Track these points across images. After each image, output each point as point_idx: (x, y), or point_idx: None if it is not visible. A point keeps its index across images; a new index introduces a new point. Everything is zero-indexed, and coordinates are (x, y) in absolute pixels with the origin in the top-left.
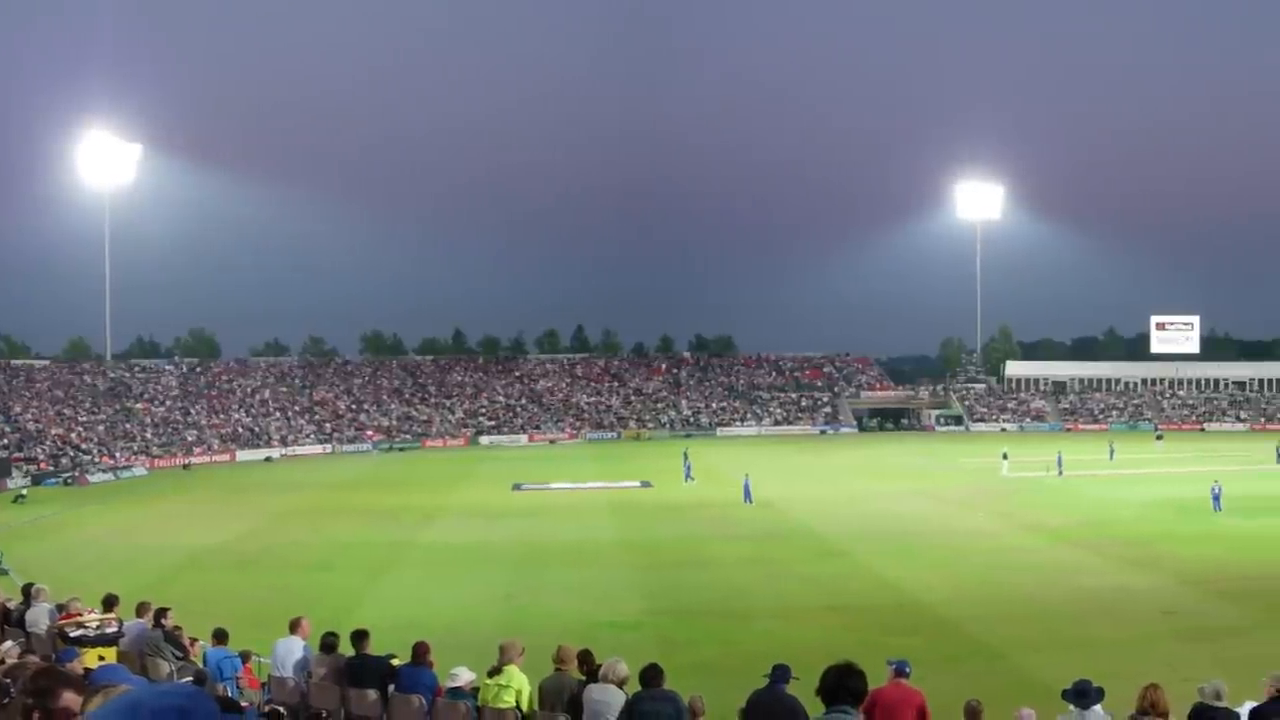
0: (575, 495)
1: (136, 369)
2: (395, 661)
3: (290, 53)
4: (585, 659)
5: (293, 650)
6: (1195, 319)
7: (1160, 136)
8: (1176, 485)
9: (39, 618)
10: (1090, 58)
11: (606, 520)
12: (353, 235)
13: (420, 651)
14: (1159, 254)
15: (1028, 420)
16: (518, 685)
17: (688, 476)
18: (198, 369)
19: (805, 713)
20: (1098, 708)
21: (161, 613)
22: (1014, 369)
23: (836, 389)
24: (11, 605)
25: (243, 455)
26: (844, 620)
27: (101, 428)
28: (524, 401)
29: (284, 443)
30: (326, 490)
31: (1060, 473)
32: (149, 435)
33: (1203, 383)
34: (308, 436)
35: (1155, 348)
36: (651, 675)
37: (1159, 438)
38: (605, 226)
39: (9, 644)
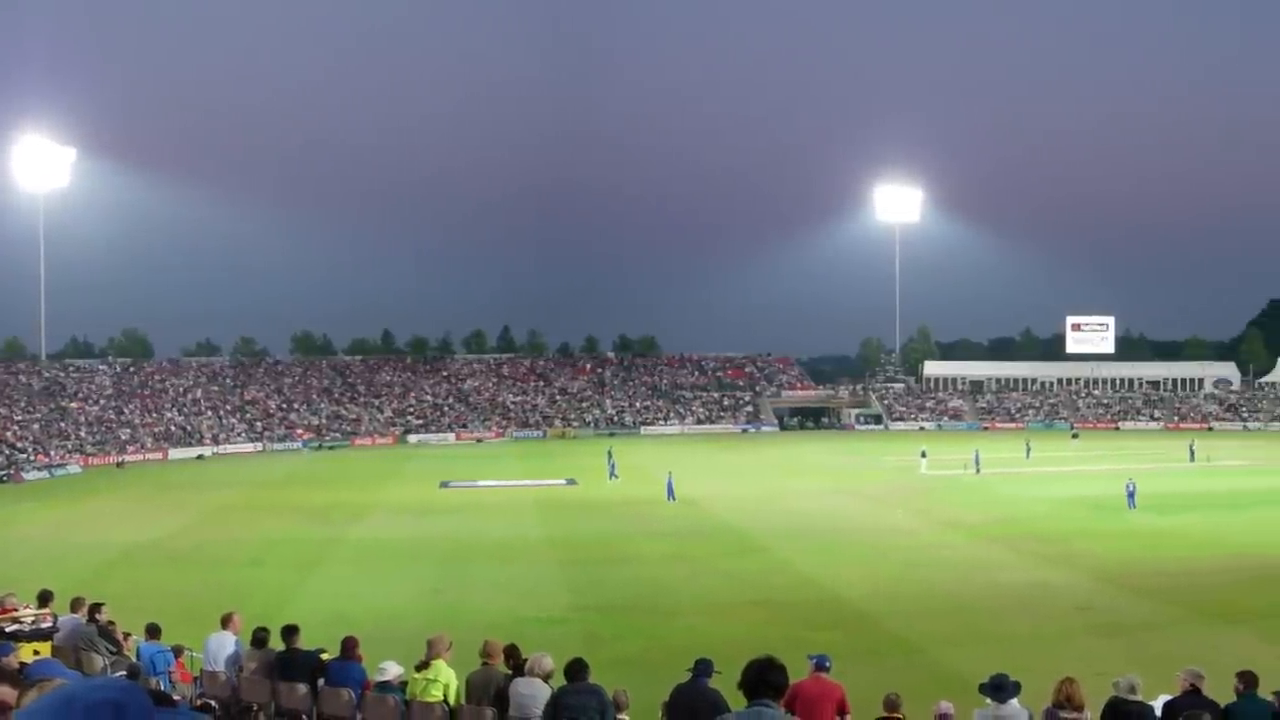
0: (502, 493)
1: (71, 369)
2: (325, 656)
3: (223, 57)
4: (511, 653)
5: (224, 645)
6: (1110, 320)
7: (1076, 141)
8: (1092, 483)
9: None
10: (1007, 64)
11: (532, 517)
12: (283, 237)
13: (349, 646)
14: (1074, 256)
15: (946, 419)
16: (445, 679)
17: (612, 474)
18: (131, 369)
19: (727, 706)
20: (1014, 701)
21: (96, 608)
22: (932, 369)
23: (758, 388)
24: None
25: (175, 453)
26: (765, 615)
27: (36, 426)
28: (451, 401)
29: (216, 441)
30: (257, 488)
31: (978, 471)
32: (83, 434)
33: (1117, 382)
34: (239, 435)
35: (1071, 348)
36: (576, 669)
37: (1075, 436)
38: (531, 229)
39: None
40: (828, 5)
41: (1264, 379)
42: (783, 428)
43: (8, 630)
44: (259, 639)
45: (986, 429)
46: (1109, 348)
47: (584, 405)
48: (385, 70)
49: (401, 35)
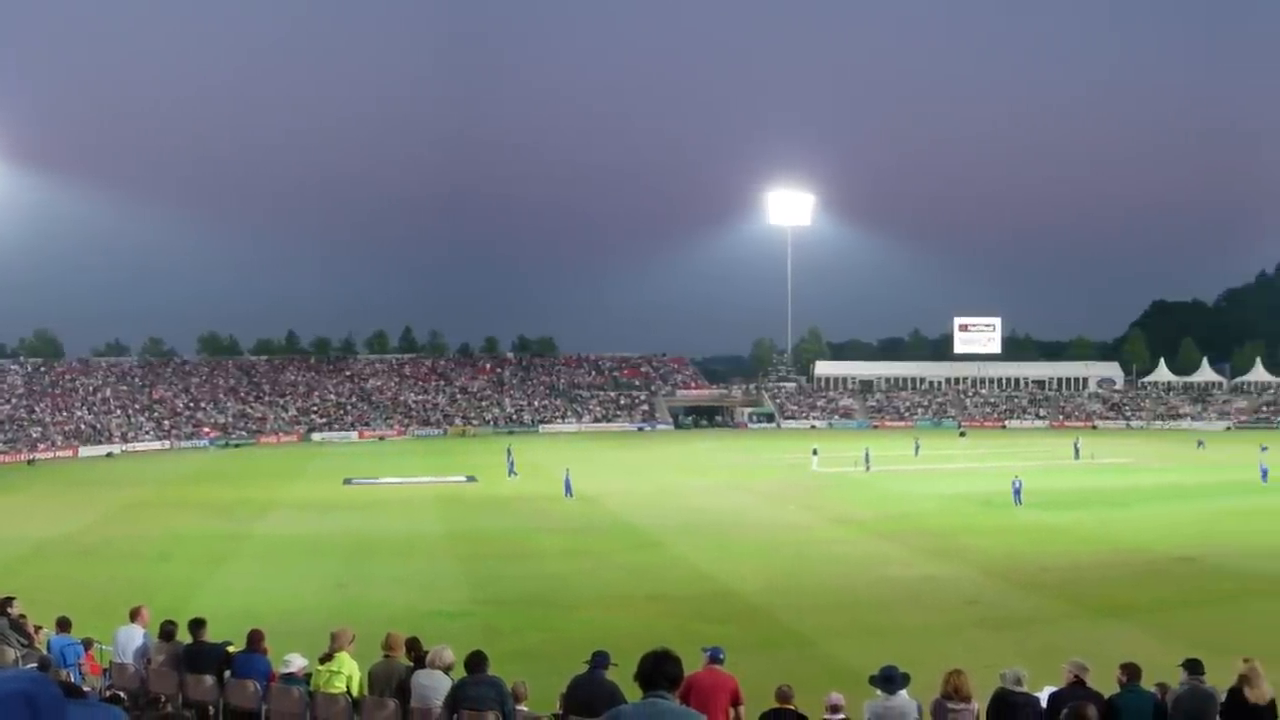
0: (404, 490)
1: None
2: (231, 648)
3: (131, 60)
4: (413, 646)
5: (133, 638)
6: (997, 321)
7: (963, 146)
8: (979, 480)
9: None
10: (897, 70)
11: (433, 514)
12: (191, 240)
13: (255, 639)
14: (962, 258)
15: (836, 418)
16: (348, 671)
17: (511, 472)
18: (42, 368)
19: (623, 697)
20: (903, 693)
21: (6, 602)
22: (823, 368)
23: (654, 388)
24: None
25: (85, 451)
26: (661, 609)
27: None
28: (354, 400)
29: (125, 439)
30: (165, 485)
31: (868, 468)
32: None
33: (1004, 381)
34: (147, 433)
35: (958, 348)
36: (476, 662)
37: (962, 434)
38: (432, 231)
39: None
40: (721, 13)
41: (1146, 379)
42: (678, 426)
43: None
44: (167, 632)
45: (876, 427)
46: (996, 348)
47: (484, 404)
48: (291, 74)
49: (307, 40)
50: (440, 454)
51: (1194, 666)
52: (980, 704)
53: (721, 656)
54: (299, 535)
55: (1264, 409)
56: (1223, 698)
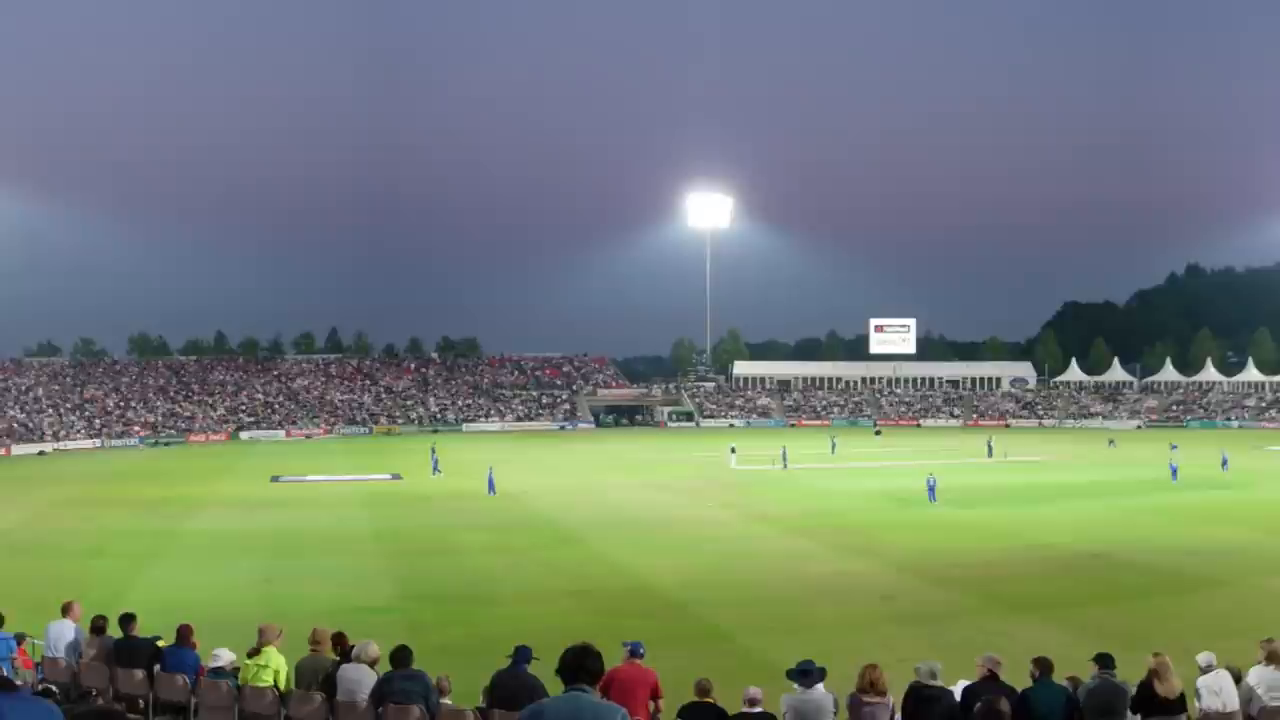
0: (330, 487)
1: None
2: (161, 643)
3: (63, 64)
4: (339, 640)
5: (64, 633)
6: (912, 322)
7: (879, 150)
8: (894, 478)
9: None
10: (813, 76)
11: (359, 511)
12: (122, 241)
13: (184, 633)
14: (878, 260)
15: (754, 416)
16: (275, 665)
17: (435, 469)
18: None
19: (545, 691)
20: (820, 686)
21: None
22: (742, 368)
23: (575, 387)
24: None
25: (17, 449)
26: (582, 604)
27: None
28: (282, 399)
29: (56, 438)
30: (97, 482)
31: (785, 466)
32: None
33: (919, 381)
34: (79, 432)
35: (874, 348)
36: (401, 656)
37: (878, 433)
38: (358, 234)
39: None
40: (641, 19)
41: (1059, 378)
42: (599, 425)
43: None
44: (98, 627)
45: (793, 426)
46: (910, 348)
47: (408, 403)
48: (220, 83)
49: (236, 47)
50: (366, 452)
51: (1105, 661)
52: (895, 697)
53: (641, 651)
54: (227, 532)
55: (1174, 408)
56: (1133, 691)
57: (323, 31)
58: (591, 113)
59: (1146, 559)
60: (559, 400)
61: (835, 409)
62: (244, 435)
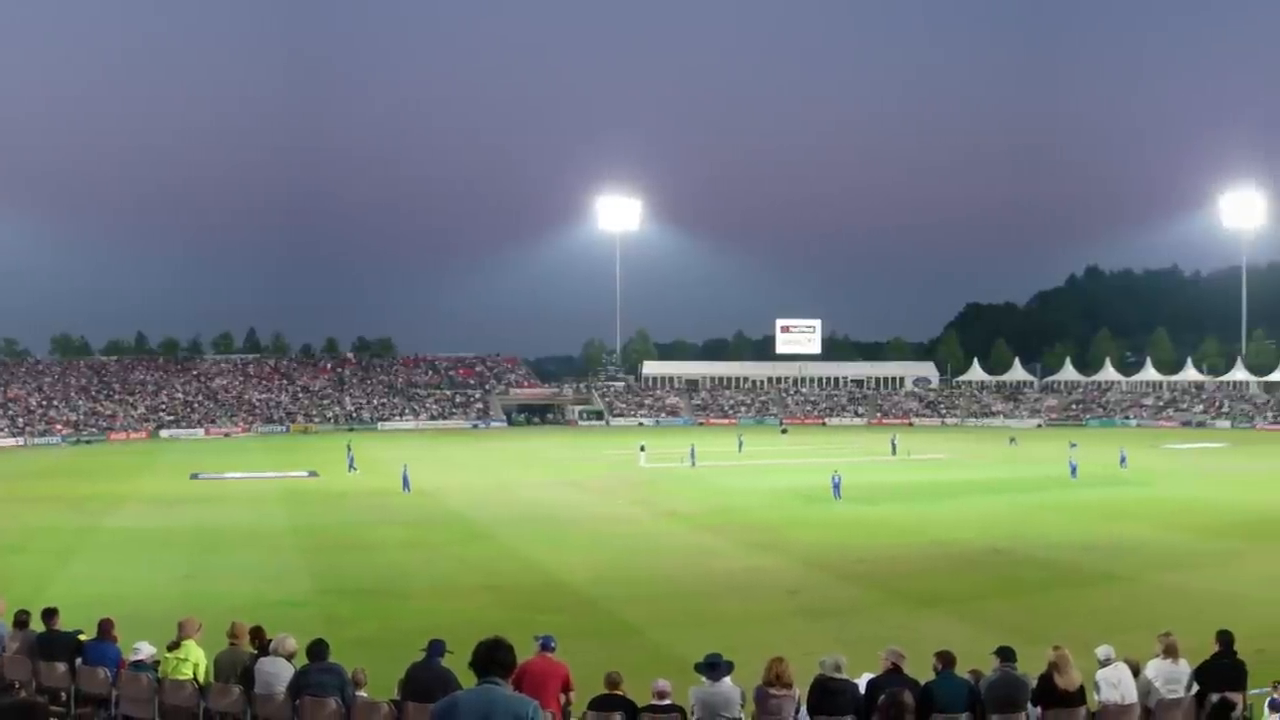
0: (248, 484)
1: None
2: (83, 637)
3: None
4: (257, 634)
5: None
6: (817, 322)
7: (786, 153)
8: (800, 475)
9: None
10: (722, 81)
11: (277, 507)
12: (44, 244)
13: (105, 628)
14: (784, 262)
15: (663, 415)
16: (195, 659)
17: (351, 467)
18: None
19: (458, 684)
20: (727, 679)
21: None
22: (651, 368)
23: (488, 386)
24: None
25: None
26: (495, 598)
27: None
28: (201, 398)
29: None
30: (18, 480)
31: (693, 464)
32: None
33: (824, 381)
34: (1, 430)
35: (780, 348)
36: (317, 649)
37: (784, 431)
38: (275, 237)
39: None
40: (555, 24)
41: (961, 378)
42: (511, 423)
43: None
44: (20, 621)
45: (702, 424)
46: (816, 349)
47: (325, 402)
48: (141, 82)
49: (156, 49)
50: (283, 450)
51: (1006, 654)
52: (801, 690)
53: (553, 644)
54: (148, 528)
55: (1073, 407)
56: (1033, 684)
57: (243, 35)
58: (505, 116)
59: (1046, 554)
60: (472, 399)
61: (742, 408)
62: (164, 434)
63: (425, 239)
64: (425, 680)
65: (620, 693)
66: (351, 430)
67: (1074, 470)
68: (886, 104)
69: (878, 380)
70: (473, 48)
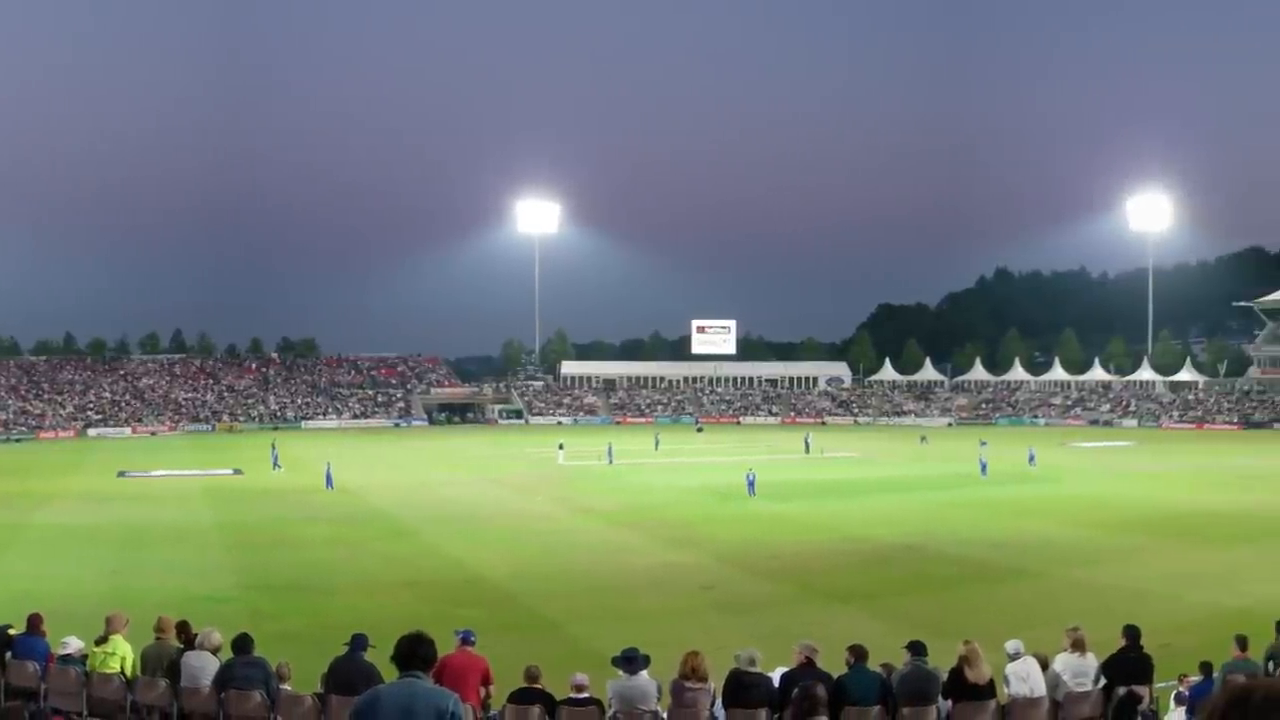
0: (175, 482)
1: None
2: (12, 631)
3: None
4: (183, 629)
5: None
6: (732, 323)
7: (701, 156)
8: (715, 473)
9: None
10: (638, 85)
11: (203, 505)
12: None
13: (34, 622)
14: (700, 264)
15: (581, 414)
16: (122, 653)
17: (275, 465)
18: None
19: (380, 677)
20: (644, 673)
21: None
22: (569, 368)
23: (409, 386)
24: None
25: None
26: (417, 594)
27: None
28: (128, 397)
29: None
30: None
31: (611, 461)
32: None
33: (739, 380)
34: None
35: (696, 349)
36: (242, 643)
37: (699, 430)
38: (201, 238)
39: None
40: (472, 29)
41: (873, 377)
42: (432, 422)
43: None
44: None
45: (619, 423)
46: (731, 349)
47: (250, 401)
48: (68, 83)
49: (82, 50)
50: (209, 449)
51: (917, 648)
52: (716, 683)
53: (473, 639)
54: (76, 525)
55: (983, 406)
56: (944, 677)
57: (167, 37)
58: (426, 119)
59: (957, 551)
60: (394, 399)
61: (659, 407)
62: (92, 432)
63: (348, 241)
64: (348, 674)
65: (539, 686)
66: (276, 429)
67: (984, 468)
68: (801, 108)
69: (791, 380)
70: (395, 51)
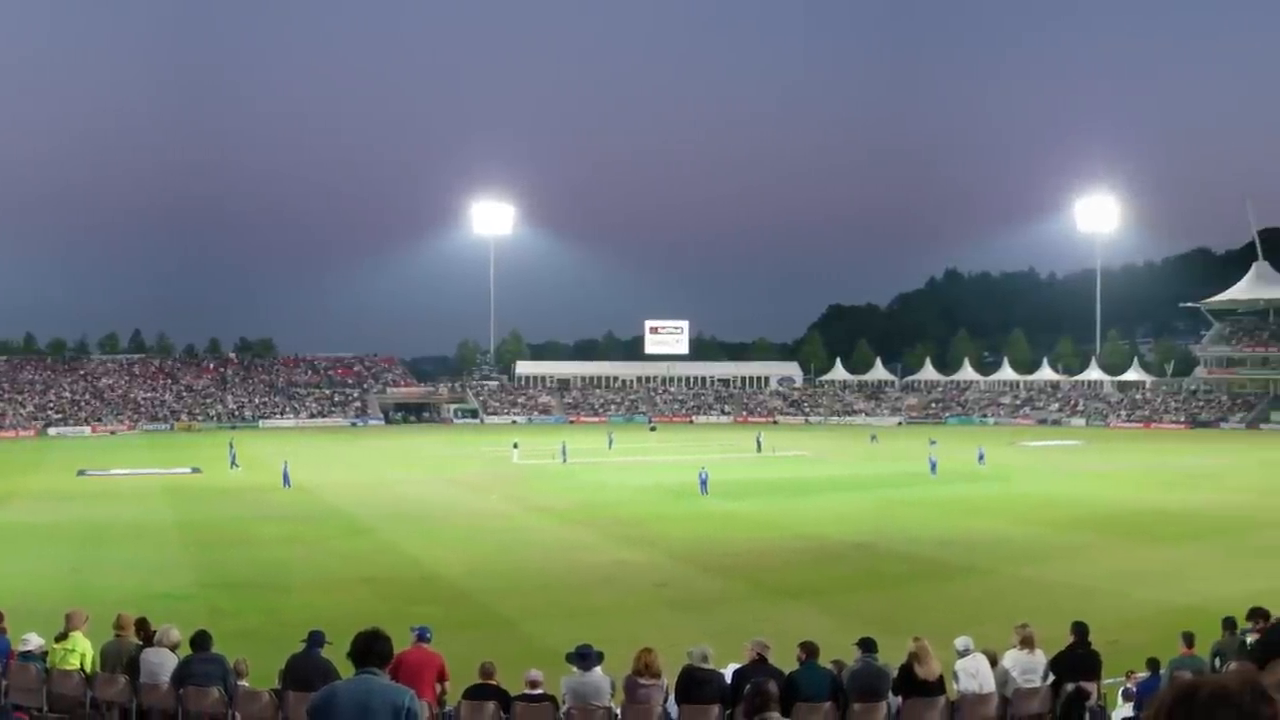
0: (134, 481)
1: None
2: None
3: None
4: (142, 626)
5: None
6: (685, 324)
7: (655, 158)
8: (668, 472)
9: None
10: (591, 89)
11: (162, 503)
12: None
13: None
14: (653, 265)
15: (536, 414)
16: (82, 649)
17: (233, 464)
18: None
19: (337, 674)
20: (598, 669)
21: None
22: (524, 368)
23: (366, 386)
24: None
25: None
26: (373, 591)
27: None
28: (88, 397)
29: None
30: None
31: (565, 460)
32: None
33: (691, 380)
34: None
35: (649, 349)
36: (201, 640)
37: (652, 429)
38: (160, 240)
39: None
40: (430, 32)
41: (824, 377)
42: (388, 421)
43: None
44: None
45: (573, 422)
46: (684, 349)
47: (208, 401)
48: (28, 88)
49: (44, 56)
50: (168, 447)
51: (868, 645)
52: (669, 679)
53: (428, 636)
54: (36, 523)
55: (933, 405)
56: (894, 674)
57: (127, 37)
58: (383, 121)
59: (907, 549)
60: (351, 398)
61: (612, 406)
62: (52, 431)
63: (305, 242)
64: (305, 670)
65: (494, 682)
66: (234, 428)
67: (934, 467)
68: (754, 110)
69: (743, 380)
70: (352, 53)
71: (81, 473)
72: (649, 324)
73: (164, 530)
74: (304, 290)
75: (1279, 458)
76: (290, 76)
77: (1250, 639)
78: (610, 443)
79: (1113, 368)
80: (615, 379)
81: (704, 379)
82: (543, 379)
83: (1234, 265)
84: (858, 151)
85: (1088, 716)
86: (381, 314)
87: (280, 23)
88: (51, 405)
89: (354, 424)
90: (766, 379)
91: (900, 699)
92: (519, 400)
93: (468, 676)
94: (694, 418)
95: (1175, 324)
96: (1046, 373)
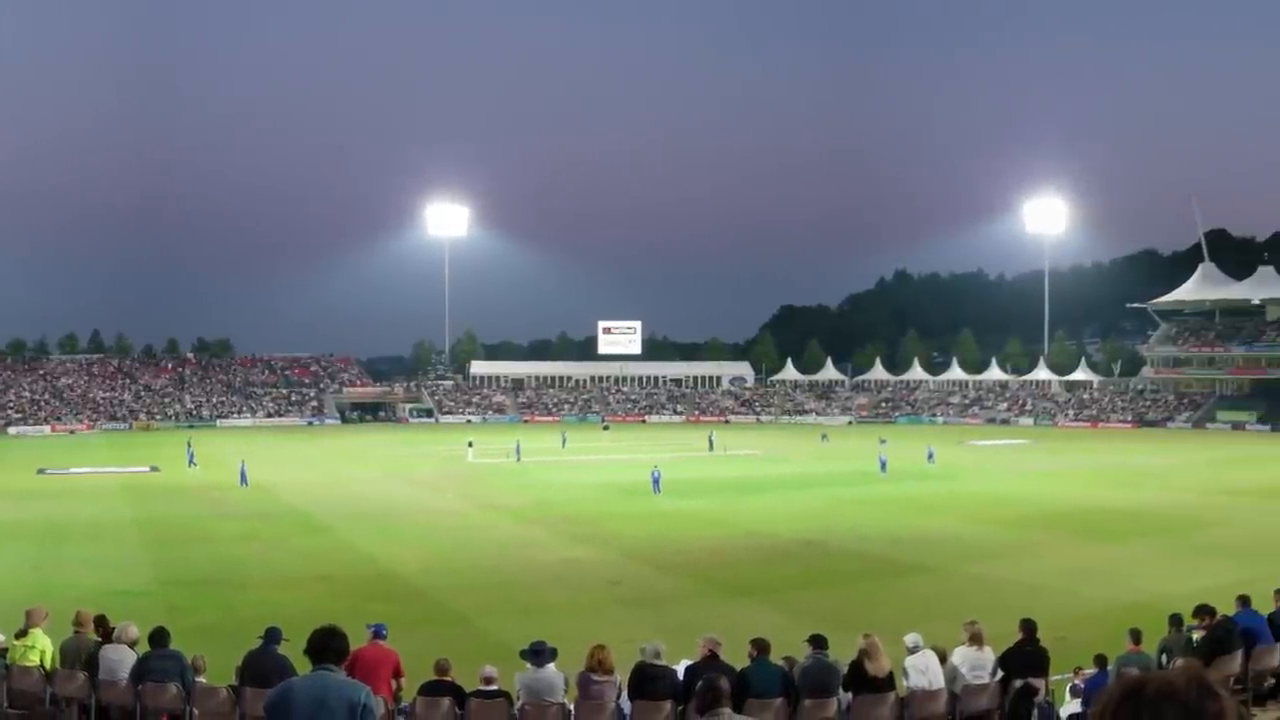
0: (93, 479)
1: None
2: None
3: None
4: (101, 622)
5: None
6: (638, 324)
7: (608, 160)
8: (621, 470)
9: None
10: (546, 91)
11: (120, 501)
12: None
13: None
14: (606, 266)
15: (490, 413)
16: (42, 646)
17: (191, 463)
18: None
19: (294, 670)
20: (551, 665)
21: None
22: (478, 368)
23: (322, 385)
24: None
25: None
26: (330, 589)
27: None
28: (47, 396)
29: None
30: None
31: (519, 459)
32: None
33: (644, 380)
34: None
35: (602, 349)
36: (159, 637)
37: (606, 428)
38: (118, 241)
39: None
40: (384, 33)
41: (775, 377)
42: (344, 421)
43: None
44: None
45: (527, 422)
46: (637, 349)
47: (166, 400)
48: None
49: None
50: (126, 446)
51: (818, 641)
52: (622, 676)
53: (384, 633)
54: None
55: (883, 405)
56: (845, 670)
57: (81, 39)
58: (338, 122)
59: (857, 546)
60: (307, 398)
61: (566, 406)
62: (12, 430)
63: (262, 243)
64: (262, 666)
65: (449, 678)
66: (192, 427)
67: (883, 466)
68: (705, 112)
69: (696, 379)
70: (307, 55)
71: (41, 471)
72: (602, 324)
73: (123, 528)
74: (261, 291)
75: (1225, 457)
76: (246, 78)
77: (1196, 635)
78: (564, 442)
79: (1060, 367)
80: (569, 379)
81: (657, 379)
82: (497, 379)
83: (1180, 266)
84: (808, 153)
85: (1036, 713)
86: (338, 314)
87: (235, 24)
88: (11, 405)
89: (310, 423)
90: (718, 379)
91: (850, 695)
92: (474, 400)
93: (423, 673)
94: (647, 417)
95: (1123, 324)
96: (995, 373)
